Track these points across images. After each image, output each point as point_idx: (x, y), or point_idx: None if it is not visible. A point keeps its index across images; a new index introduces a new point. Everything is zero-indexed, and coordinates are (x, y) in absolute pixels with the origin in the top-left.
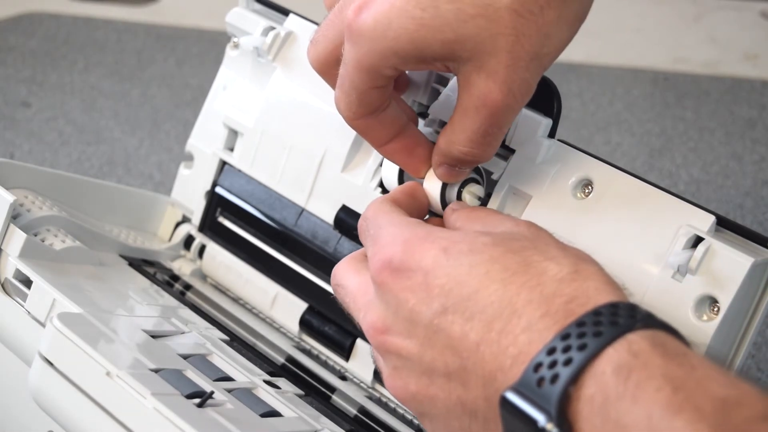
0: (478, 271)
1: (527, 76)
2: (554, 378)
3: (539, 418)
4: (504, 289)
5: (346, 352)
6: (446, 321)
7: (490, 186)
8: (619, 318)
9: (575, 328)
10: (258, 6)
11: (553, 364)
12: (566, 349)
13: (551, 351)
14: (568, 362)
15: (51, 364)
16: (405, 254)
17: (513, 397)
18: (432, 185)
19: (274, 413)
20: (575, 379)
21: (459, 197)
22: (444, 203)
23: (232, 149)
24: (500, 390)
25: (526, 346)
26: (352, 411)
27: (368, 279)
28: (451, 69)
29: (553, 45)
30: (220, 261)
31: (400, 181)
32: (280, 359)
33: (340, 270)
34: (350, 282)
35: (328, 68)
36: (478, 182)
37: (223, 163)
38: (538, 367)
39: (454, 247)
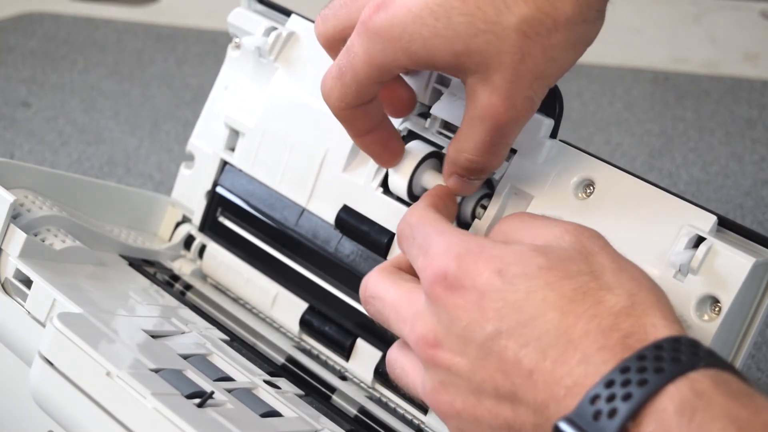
0: (535, 298)
1: (530, 94)
2: (612, 412)
3: None
4: (561, 318)
5: (346, 352)
6: (499, 345)
7: (491, 186)
8: (681, 354)
9: (635, 361)
10: (260, 6)
11: (611, 398)
12: (625, 384)
13: (609, 384)
14: (627, 397)
15: (51, 364)
16: (459, 270)
17: (567, 428)
18: None
19: (274, 413)
20: (634, 415)
21: (474, 212)
22: (459, 218)
23: (233, 149)
24: (552, 419)
25: (581, 378)
26: (352, 411)
27: (410, 290)
28: (460, 77)
29: (557, 67)
30: (221, 261)
31: (409, 186)
32: (280, 359)
33: (372, 281)
34: (389, 294)
35: (334, 45)
36: (490, 196)
37: (224, 163)
38: (594, 399)
39: (509, 270)
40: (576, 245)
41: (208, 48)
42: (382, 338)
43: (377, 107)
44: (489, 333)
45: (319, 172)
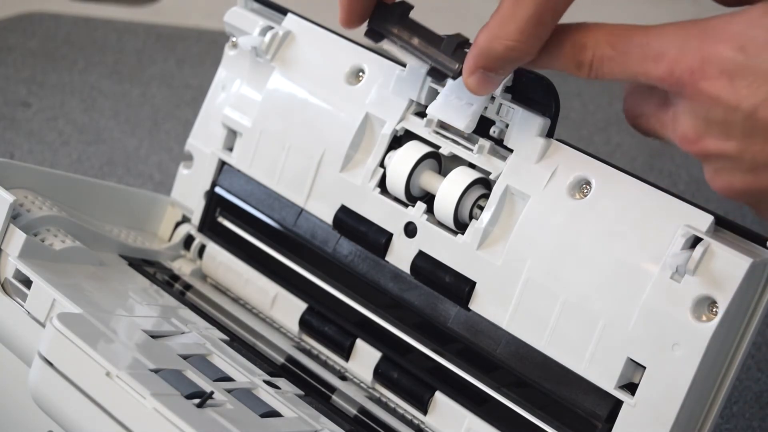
0: None
1: None
2: None
3: None
4: None
5: (346, 352)
6: (760, 117)
7: (488, 186)
8: None
9: None
10: (256, 5)
11: None
12: None
13: None
14: None
15: (51, 364)
16: (702, 62)
17: None
18: (451, 190)
19: (274, 413)
20: None
21: (471, 213)
22: (456, 218)
23: (231, 149)
24: None
25: None
26: (352, 411)
27: (661, 98)
28: None
29: None
30: (220, 261)
31: (407, 185)
32: (280, 359)
33: (630, 104)
34: (647, 108)
35: None
36: (487, 197)
37: (223, 163)
38: None
39: (750, 44)
40: None
41: (208, 48)
42: (382, 338)
43: None
44: (747, 110)
45: (317, 172)
